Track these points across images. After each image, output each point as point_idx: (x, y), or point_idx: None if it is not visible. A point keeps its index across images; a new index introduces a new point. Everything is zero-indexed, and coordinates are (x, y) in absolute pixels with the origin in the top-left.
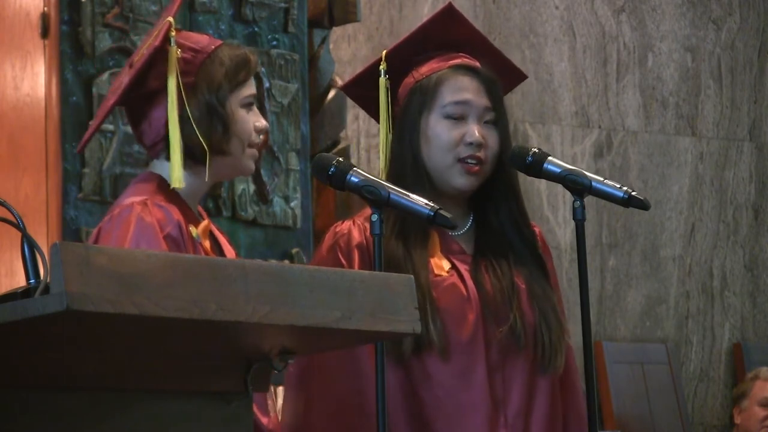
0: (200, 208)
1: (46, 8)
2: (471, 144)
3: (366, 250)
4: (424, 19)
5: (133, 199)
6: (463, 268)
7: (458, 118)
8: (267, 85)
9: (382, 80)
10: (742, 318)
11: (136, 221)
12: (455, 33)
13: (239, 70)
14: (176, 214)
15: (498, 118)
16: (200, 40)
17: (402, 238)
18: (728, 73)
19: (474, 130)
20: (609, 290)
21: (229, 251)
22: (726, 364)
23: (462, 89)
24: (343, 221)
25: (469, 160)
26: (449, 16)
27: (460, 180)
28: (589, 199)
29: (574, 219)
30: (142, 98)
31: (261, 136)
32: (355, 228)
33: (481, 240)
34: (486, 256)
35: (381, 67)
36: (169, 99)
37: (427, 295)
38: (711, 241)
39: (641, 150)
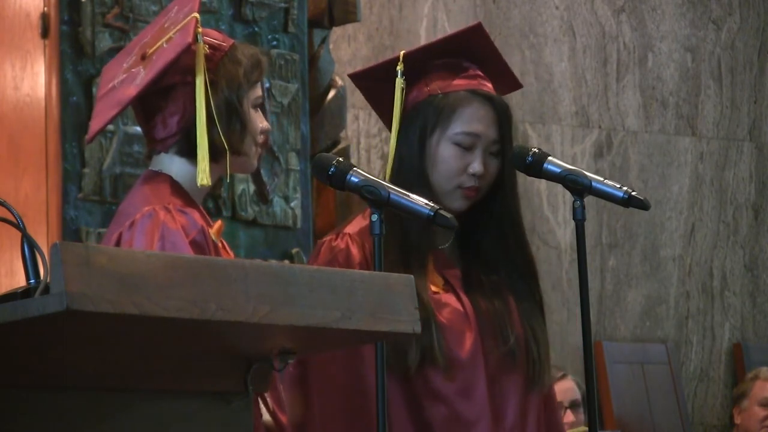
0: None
1: (46, 8)
2: (473, 175)
3: (366, 269)
4: (452, 31)
5: (152, 204)
6: (456, 284)
7: (466, 148)
8: (267, 85)
9: (399, 81)
10: (742, 318)
11: (161, 228)
12: (473, 52)
13: (254, 69)
14: (198, 218)
15: (504, 150)
16: (216, 36)
17: (402, 255)
18: (728, 73)
19: (478, 163)
20: (609, 290)
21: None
22: (726, 364)
23: (476, 120)
24: (336, 235)
25: (467, 190)
26: (475, 33)
27: (456, 203)
28: (589, 199)
29: (574, 219)
30: (158, 92)
31: (263, 137)
32: (354, 245)
33: (467, 255)
34: (476, 271)
35: (398, 68)
36: (198, 96)
37: (431, 312)
38: (711, 241)
39: (641, 150)
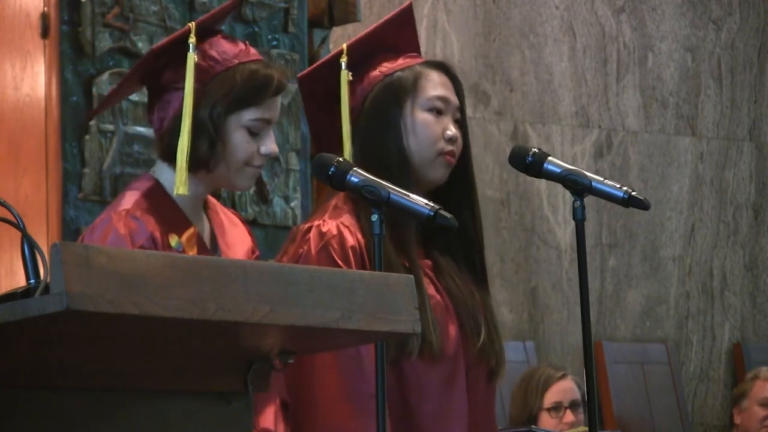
0: (214, 201)
1: (46, 8)
2: (450, 139)
3: (360, 255)
4: (385, 17)
5: (117, 209)
6: (432, 276)
7: (439, 113)
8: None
9: (344, 73)
10: (742, 318)
11: (111, 233)
12: (405, 33)
13: (250, 91)
14: (151, 224)
15: (463, 118)
16: (228, 50)
17: (395, 244)
18: (728, 73)
19: (452, 126)
20: (609, 290)
21: (239, 246)
22: (726, 364)
23: (441, 84)
24: (323, 221)
25: (448, 155)
26: (406, 15)
27: (440, 172)
28: (589, 199)
29: (574, 219)
30: (155, 90)
31: (259, 160)
32: (346, 230)
33: (430, 244)
34: (443, 261)
35: (342, 59)
36: (185, 104)
37: (426, 300)
38: (711, 241)
39: (641, 150)
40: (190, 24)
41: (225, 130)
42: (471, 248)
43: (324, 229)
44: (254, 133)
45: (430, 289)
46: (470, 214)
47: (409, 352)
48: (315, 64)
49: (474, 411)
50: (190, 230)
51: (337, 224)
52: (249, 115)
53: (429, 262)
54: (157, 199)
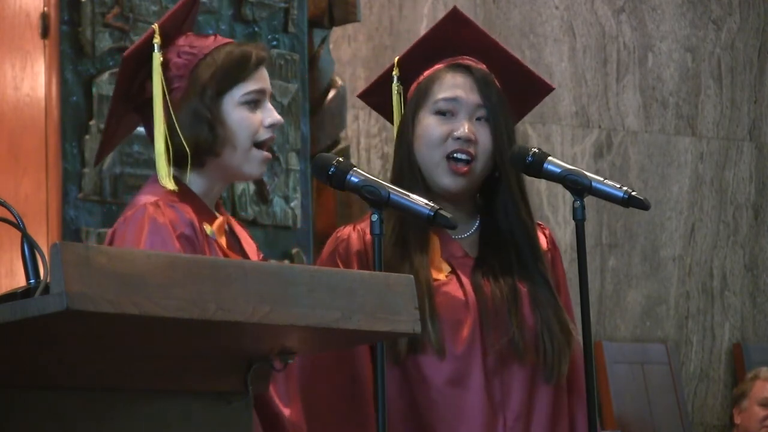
0: (220, 205)
1: (46, 8)
2: (459, 139)
3: (365, 257)
4: (433, 24)
5: (146, 199)
6: (464, 273)
7: (448, 115)
8: None
9: (395, 86)
10: (742, 318)
11: (150, 223)
12: (463, 37)
13: (232, 68)
14: (189, 213)
15: (491, 116)
16: (201, 43)
17: (401, 243)
18: (728, 73)
19: (463, 126)
20: (609, 290)
21: (250, 245)
22: (726, 364)
23: (452, 86)
24: (345, 226)
25: (458, 155)
26: (454, 19)
27: (446, 179)
28: (589, 199)
29: (574, 219)
30: (146, 103)
31: (267, 132)
32: (354, 233)
33: (485, 243)
34: (489, 260)
35: (393, 73)
36: (155, 106)
37: (427, 295)
38: (711, 241)
39: (641, 150)
40: (153, 26)
41: (222, 112)
42: (524, 250)
43: (338, 235)
44: (253, 108)
45: (450, 287)
46: (521, 220)
47: (399, 349)
48: (371, 83)
49: (508, 410)
50: (219, 220)
51: (350, 229)
52: (241, 90)
53: (470, 261)
54: (181, 192)
